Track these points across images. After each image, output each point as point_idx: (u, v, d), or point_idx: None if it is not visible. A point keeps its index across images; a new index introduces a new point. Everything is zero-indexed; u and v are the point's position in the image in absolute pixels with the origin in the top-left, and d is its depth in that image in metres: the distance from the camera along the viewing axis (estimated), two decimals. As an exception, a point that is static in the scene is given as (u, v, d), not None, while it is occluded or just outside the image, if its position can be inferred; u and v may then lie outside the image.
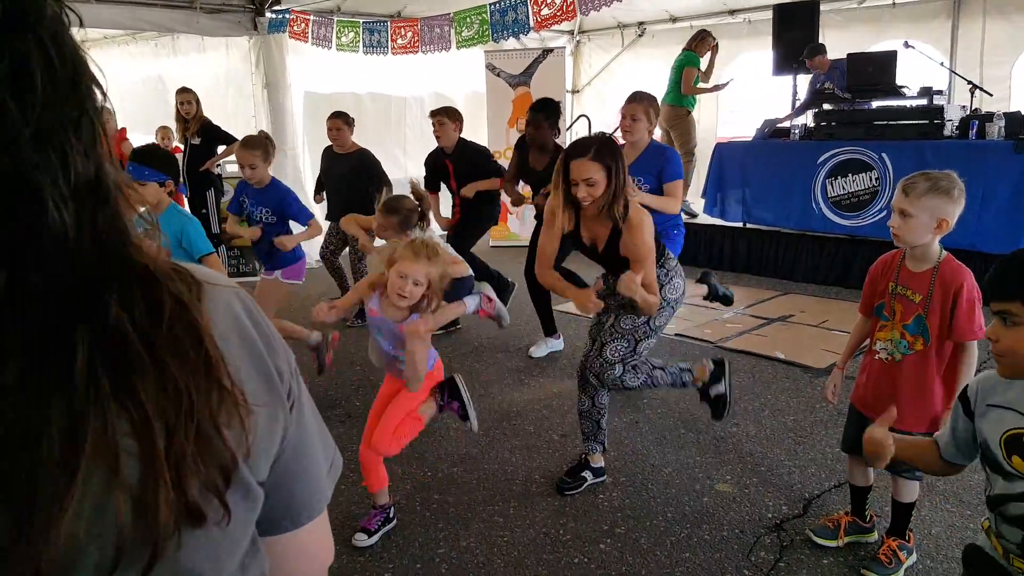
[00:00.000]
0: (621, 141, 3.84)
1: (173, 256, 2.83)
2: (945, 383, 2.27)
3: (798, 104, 7.24)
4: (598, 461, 3.07)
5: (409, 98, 8.72)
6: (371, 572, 2.48)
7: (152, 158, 3.11)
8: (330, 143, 5.47)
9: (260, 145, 3.94)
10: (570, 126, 9.02)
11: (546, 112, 4.46)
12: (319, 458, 0.68)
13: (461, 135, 5.01)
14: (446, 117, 4.92)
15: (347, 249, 5.44)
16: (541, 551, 2.60)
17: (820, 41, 6.89)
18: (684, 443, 3.42)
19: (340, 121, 5.32)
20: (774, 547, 2.59)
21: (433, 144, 5.16)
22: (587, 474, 3.03)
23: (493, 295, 4.03)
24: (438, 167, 5.09)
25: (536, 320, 4.82)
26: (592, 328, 3.25)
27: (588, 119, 8.67)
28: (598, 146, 2.71)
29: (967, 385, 1.54)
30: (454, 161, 4.99)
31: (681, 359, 2.99)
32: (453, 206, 5.14)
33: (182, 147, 6.36)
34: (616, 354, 2.85)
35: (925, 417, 2.27)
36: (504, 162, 8.04)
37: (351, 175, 5.29)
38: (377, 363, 2.78)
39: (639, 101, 3.77)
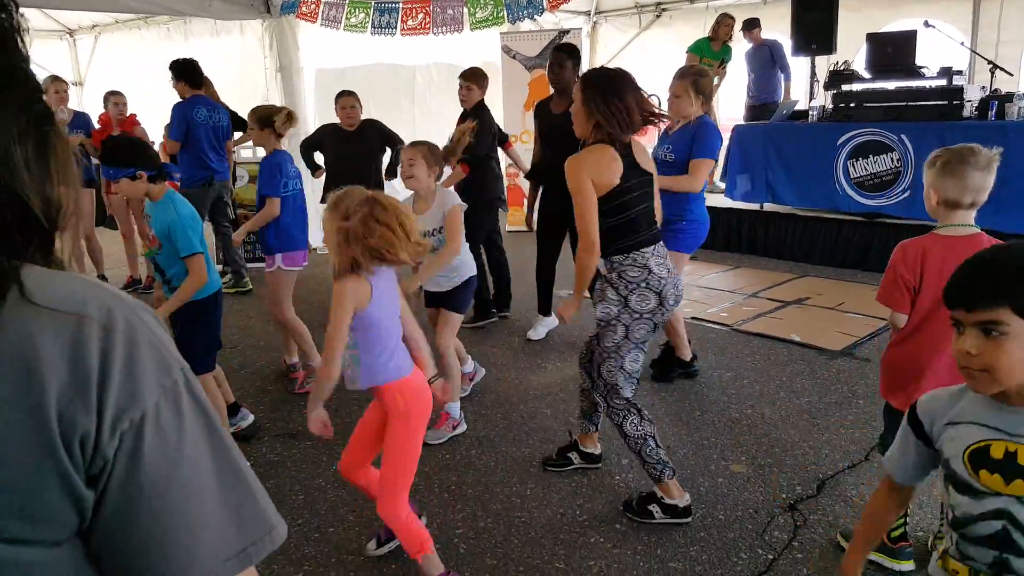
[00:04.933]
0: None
1: (163, 249, 2.72)
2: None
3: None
4: (589, 445, 3.06)
5: (420, 68, 8.70)
6: (391, 552, 2.54)
7: (113, 154, 3.06)
8: (336, 122, 5.37)
9: (252, 115, 3.87)
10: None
11: (569, 51, 4.41)
12: (192, 534, 0.60)
13: (483, 99, 4.96)
14: (474, 82, 4.87)
15: None
16: (558, 531, 2.65)
17: (837, 22, 6.85)
18: (699, 424, 3.45)
19: (354, 99, 5.24)
20: (788, 527, 2.62)
21: (443, 117, 5.20)
22: (574, 455, 3.05)
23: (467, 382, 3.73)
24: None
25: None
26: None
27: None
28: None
29: (913, 407, 1.40)
30: (465, 119, 4.99)
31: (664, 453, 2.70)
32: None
33: None
34: (611, 375, 2.65)
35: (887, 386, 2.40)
36: (521, 147, 8.08)
37: (363, 147, 5.28)
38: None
39: (681, 78, 3.71)
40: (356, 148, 5.33)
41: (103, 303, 0.60)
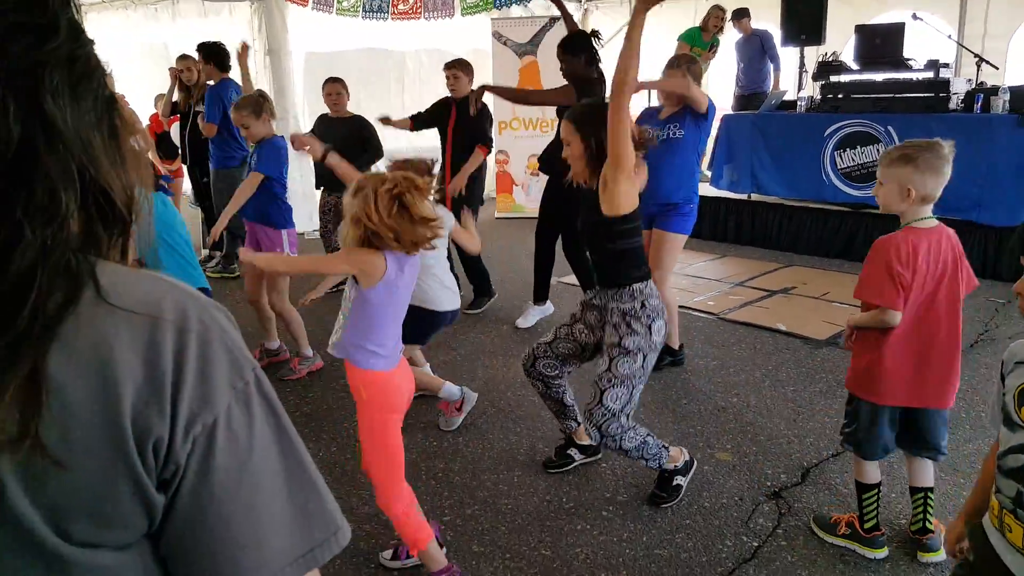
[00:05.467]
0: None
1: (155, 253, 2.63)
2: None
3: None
4: (583, 438, 2.98)
5: (409, 54, 8.64)
6: (378, 539, 2.55)
7: None
8: (326, 110, 5.41)
9: (247, 104, 3.84)
10: (576, 96, 8.98)
11: (564, 45, 4.37)
12: (260, 536, 0.60)
13: (472, 87, 4.99)
14: (461, 71, 4.92)
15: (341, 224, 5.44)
16: (544, 518, 2.67)
17: (826, 13, 6.87)
18: (685, 413, 3.48)
19: (340, 86, 5.27)
20: (772, 514, 2.65)
21: (433, 100, 5.19)
22: (573, 452, 3.02)
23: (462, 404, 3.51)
24: (442, 110, 5.11)
25: (528, 293, 4.88)
26: (560, 329, 2.87)
27: (593, 89, 8.62)
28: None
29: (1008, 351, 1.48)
30: (459, 108, 4.98)
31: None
32: (443, 155, 5.11)
33: (176, 117, 6.32)
34: (618, 403, 2.55)
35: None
36: (511, 133, 8.04)
37: (348, 140, 5.19)
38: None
39: (676, 67, 3.74)
40: (341, 135, 5.31)
41: (178, 303, 0.59)
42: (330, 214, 5.44)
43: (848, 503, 2.68)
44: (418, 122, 5.22)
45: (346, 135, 5.20)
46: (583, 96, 3.98)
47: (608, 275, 2.65)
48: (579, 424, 2.98)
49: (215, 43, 5.73)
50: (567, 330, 2.84)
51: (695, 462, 2.85)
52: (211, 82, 5.72)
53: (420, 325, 3.22)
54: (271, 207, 3.89)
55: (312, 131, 5.40)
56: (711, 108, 3.74)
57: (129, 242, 0.61)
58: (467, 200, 4.72)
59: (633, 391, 2.58)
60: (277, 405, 0.64)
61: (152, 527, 0.58)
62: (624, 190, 2.49)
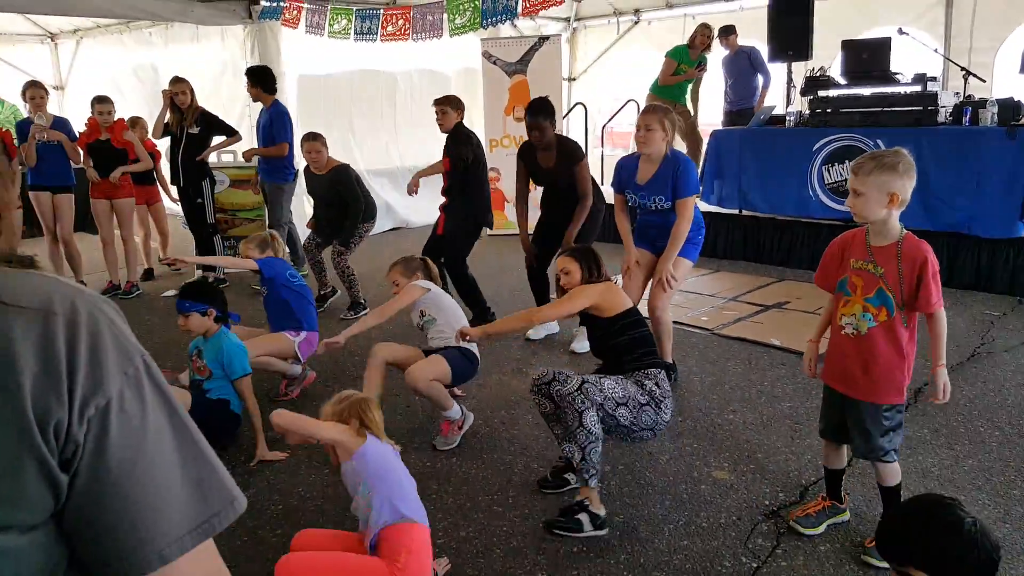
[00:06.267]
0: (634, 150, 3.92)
1: (217, 374, 3.18)
2: (908, 353, 2.40)
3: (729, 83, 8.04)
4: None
5: (401, 74, 8.73)
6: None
7: (191, 292, 3.36)
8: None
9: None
10: (566, 114, 9.01)
11: (546, 113, 4.46)
12: (157, 508, 0.65)
13: (461, 120, 5.09)
14: (449, 107, 5.02)
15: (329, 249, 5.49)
16: (541, 540, 2.62)
17: (813, 28, 6.93)
18: (681, 431, 3.44)
19: (318, 144, 5.31)
20: (771, 534, 2.61)
21: (425, 119, 5.34)
22: (570, 476, 2.91)
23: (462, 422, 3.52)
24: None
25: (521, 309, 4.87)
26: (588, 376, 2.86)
27: (584, 107, 8.66)
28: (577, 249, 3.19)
29: None
30: (446, 141, 5.10)
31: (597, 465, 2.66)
32: (444, 186, 5.20)
33: (165, 138, 6.30)
34: (607, 398, 2.70)
35: (896, 387, 2.40)
36: (503, 151, 8.06)
37: (330, 195, 5.40)
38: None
39: (653, 112, 3.77)
40: (324, 190, 5.45)
41: (66, 298, 0.64)
42: (321, 234, 5.55)
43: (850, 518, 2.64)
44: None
45: (329, 189, 5.36)
46: (566, 157, 4.47)
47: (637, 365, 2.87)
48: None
49: (263, 67, 6.15)
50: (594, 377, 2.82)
51: (606, 528, 2.65)
52: (259, 104, 6.16)
53: (470, 367, 3.52)
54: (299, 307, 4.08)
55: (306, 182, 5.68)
56: (695, 171, 3.83)
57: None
58: (463, 220, 5.00)
59: (628, 409, 2.71)
60: (167, 389, 0.69)
61: (58, 505, 0.62)
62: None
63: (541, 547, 2.58)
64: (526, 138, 4.69)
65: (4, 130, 5.92)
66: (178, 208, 6.65)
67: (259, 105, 6.21)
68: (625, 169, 3.95)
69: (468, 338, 3.16)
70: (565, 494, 2.91)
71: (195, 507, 0.67)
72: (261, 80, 6.01)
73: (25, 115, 6.60)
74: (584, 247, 3.25)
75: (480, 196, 5.08)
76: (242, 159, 6.75)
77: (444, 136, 5.12)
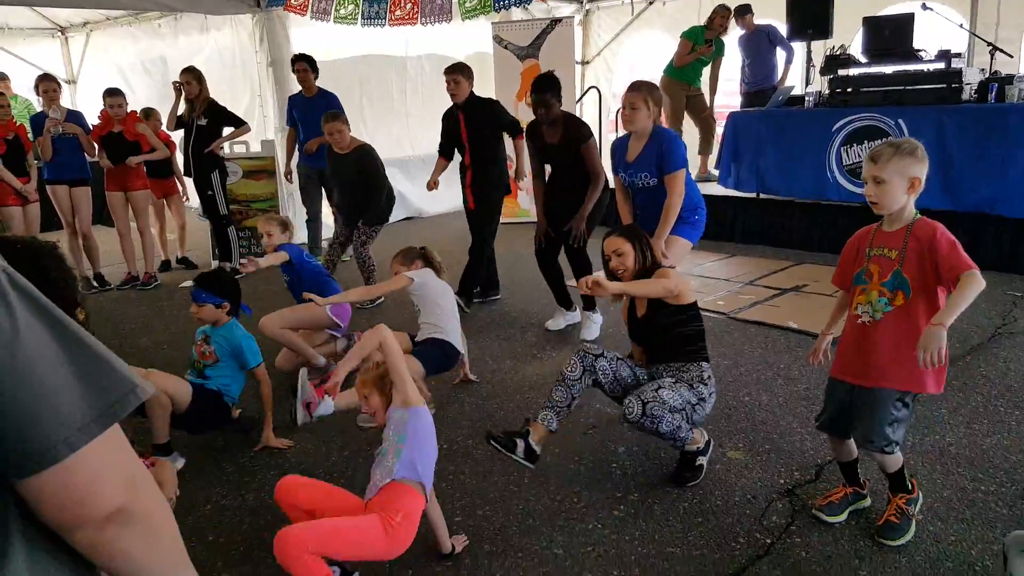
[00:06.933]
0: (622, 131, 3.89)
1: (223, 362, 3.18)
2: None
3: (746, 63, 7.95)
4: (538, 443, 2.79)
5: (410, 59, 8.69)
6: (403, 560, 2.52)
7: (208, 283, 3.32)
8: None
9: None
10: (580, 98, 8.95)
11: (553, 90, 4.42)
12: (51, 403, 0.68)
13: (473, 90, 5.05)
14: (461, 75, 4.94)
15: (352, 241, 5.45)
16: (556, 518, 2.64)
17: (833, 5, 6.81)
18: (697, 412, 3.44)
19: (339, 123, 5.17)
20: (786, 512, 2.61)
21: (436, 106, 5.24)
22: (520, 443, 2.77)
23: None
24: (450, 121, 5.15)
25: (548, 296, 4.85)
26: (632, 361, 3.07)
27: (599, 91, 8.60)
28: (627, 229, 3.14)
29: None
30: (466, 111, 5.01)
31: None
32: (462, 162, 5.15)
33: (179, 130, 6.33)
34: (677, 401, 2.74)
35: (910, 374, 2.29)
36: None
37: (354, 175, 5.25)
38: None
39: (637, 90, 3.73)
40: (348, 172, 5.32)
41: None
42: (343, 229, 5.51)
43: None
44: (445, 152, 5.27)
45: (353, 170, 5.24)
46: (571, 133, 4.40)
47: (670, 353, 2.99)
48: (556, 429, 2.84)
49: (309, 55, 6.26)
50: (634, 363, 3.04)
51: (712, 442, 2.95)
52: (266, 94, 6.35)
53: (445, 359, 3.62)
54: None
55: (328, 165, 5.56)
56: (681, 146, 3.76)
57: None
58: (490, 193, 5.10)
59: (683, 415, 2.75)
60: (38, 296, 0.72)
61: None
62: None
63: (556, 524, 2.60)
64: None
65: (19, 124, 5.97)
66: (195, 200, 6.71)
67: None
68: (619, 150, 3.94)
69: (596, 290, 2.84)
70: (581, 472, 2.93)
71: (93, 397, 0.71)
72: (315, 67, 6.16)
73: (38, 109, 6.67)
74: (631, 226, 3.26)
75: (504, 163, 5.17)
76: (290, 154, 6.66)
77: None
